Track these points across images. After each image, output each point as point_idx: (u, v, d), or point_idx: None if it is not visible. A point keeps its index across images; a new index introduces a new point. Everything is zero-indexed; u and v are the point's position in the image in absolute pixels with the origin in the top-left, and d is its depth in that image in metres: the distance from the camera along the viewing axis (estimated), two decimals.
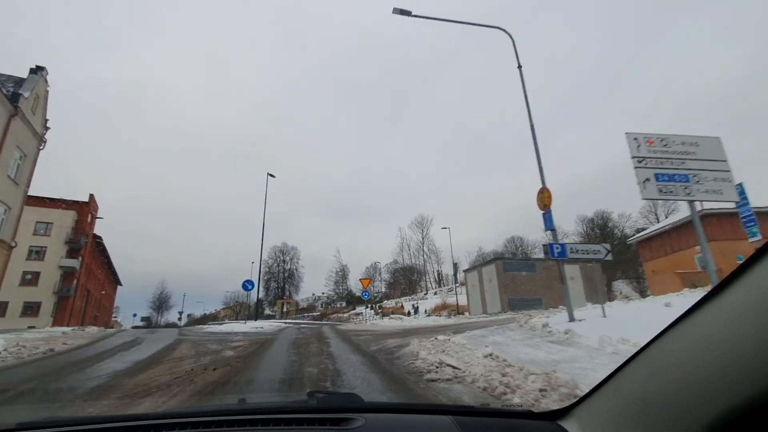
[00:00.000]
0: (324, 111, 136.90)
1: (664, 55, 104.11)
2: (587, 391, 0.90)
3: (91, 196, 43.21)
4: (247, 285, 19.62)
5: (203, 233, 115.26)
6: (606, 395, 0.81)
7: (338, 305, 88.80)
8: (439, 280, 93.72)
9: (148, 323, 72.77)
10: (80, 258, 43.10)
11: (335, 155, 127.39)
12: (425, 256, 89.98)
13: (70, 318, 43.21)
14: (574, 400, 0.95)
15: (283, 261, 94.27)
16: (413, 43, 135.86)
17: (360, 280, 25.22)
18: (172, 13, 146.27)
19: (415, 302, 71.50)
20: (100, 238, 47.67)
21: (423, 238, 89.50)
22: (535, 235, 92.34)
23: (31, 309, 37.32)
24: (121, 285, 77.11)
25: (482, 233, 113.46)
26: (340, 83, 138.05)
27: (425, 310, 67.62)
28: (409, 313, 68.79)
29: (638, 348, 0.74)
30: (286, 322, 27.80)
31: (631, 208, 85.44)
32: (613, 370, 0.80)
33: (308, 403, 1.21)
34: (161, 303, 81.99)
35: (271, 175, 26.31)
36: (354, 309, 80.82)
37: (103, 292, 56.29)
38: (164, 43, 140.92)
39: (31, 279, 38.02)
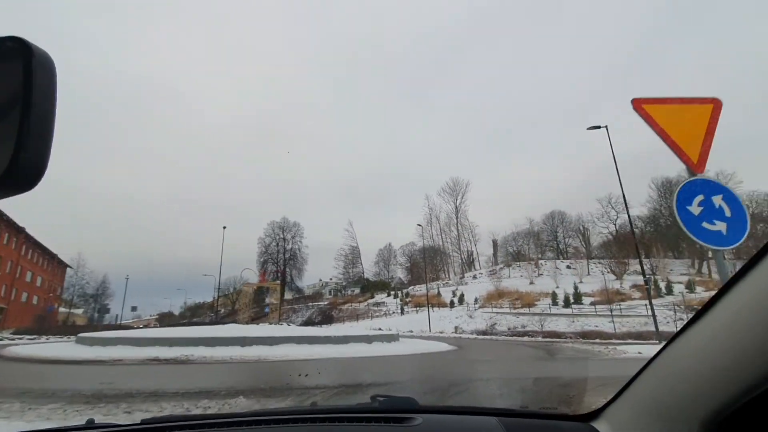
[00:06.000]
0: (338, 95, 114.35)
1: None
2: (615, 393, 0.95)
3: None
4: None
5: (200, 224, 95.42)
6: (628, 397, 0.89)
7: (350, 292, 68.73)
8: (470, 262, 73.40)
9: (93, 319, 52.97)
10: None
11: (349, 142, 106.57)
12: (459, 228, 69.45)
13: None
14: (604, 403, 0.99)
15: (284, 239, 74.36)
16: (438, 21, 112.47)
17: None
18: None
19: (455, 288, 51.37)
20: None
21: (457, 207, 68.96)
22: (575, 211, 72.52)
23: None
24: (69, 267, 57.37)
25: (504, 218, 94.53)
26: (357, 65, 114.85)
27: (475, 299, 47.75)
28: (452, 303, 49.05)
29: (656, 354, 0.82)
30: None
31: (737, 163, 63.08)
32: (634, 374, 0.87)
33: (372, 405, 1.26)
34: (97, 291, 60.76)
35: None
36: (372, 297, 60.77)
37: (8, 270, 36.24)
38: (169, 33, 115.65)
39: None
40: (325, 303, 61.31)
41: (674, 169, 53.89)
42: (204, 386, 6.18)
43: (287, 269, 74.52)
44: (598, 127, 17.64)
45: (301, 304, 64.77)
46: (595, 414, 1.01)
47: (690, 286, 36.43)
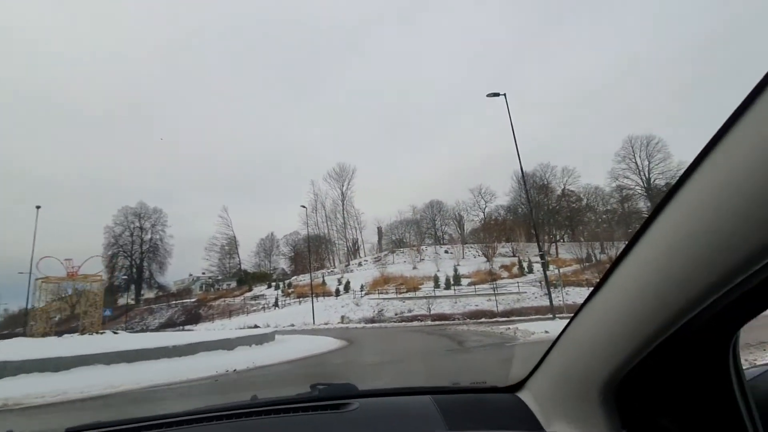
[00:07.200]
0: (221, 76, 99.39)
1: None
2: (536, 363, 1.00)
3: None
4: None
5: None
6: (545, 368, 0.95)
7: (226, 286, 61.11)
8: (356, 250, 72.32)
9: None
10: None
11: (227, 126, 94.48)
12: (345, 215, 67.38)
13: None
14: (527, 374, 1.05)
15: (140, 228, 62.28)
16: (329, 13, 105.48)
17: None
18: None
19: (340, 276, 49.07)
20: None
21: (343, 193, 66.61)
22: (452, 200, 77.16)
23: None
24: None
25: (389, 206, 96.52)
26: (237, 49, 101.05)
27: (361, 286, 46.12)
28: (337, 292, 46.55)
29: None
30: None
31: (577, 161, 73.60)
32: (549, 345, 0.91)
33: (311, 394, 1.26)
34: None
35: None
36: (251, 290, 54.64)
37: None
38: None
39: None
40: (193, 300, 53.05)
41: (530, 164, 60.89)
42: None
43: (145, 263, 62.79)
44: (498, 95, 17.08)
45: (162, 303, 55.03)
46: (519, 385, 1.06)
47: (545, 266, 40.87)
